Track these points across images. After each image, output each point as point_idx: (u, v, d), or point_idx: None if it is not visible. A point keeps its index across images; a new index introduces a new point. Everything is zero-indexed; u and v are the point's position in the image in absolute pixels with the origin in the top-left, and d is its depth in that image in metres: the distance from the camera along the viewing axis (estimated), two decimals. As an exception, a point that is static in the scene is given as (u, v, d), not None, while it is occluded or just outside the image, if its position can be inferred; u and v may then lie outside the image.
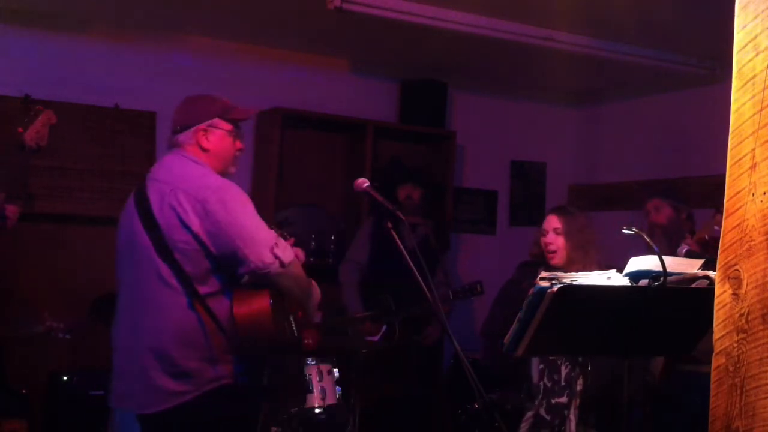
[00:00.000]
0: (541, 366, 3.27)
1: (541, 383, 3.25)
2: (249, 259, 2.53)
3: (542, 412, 3.22)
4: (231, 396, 2.61)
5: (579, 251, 3.30)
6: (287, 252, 2.60)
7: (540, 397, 3.24)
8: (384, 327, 4.69)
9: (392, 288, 4.01)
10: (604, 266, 2.43)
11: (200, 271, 2.58)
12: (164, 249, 2.58)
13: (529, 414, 3.29)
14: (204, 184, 2.65)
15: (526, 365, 3.32)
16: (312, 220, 5.49)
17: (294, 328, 2.78)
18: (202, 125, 2.79)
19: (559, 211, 3.44)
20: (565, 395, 3.19)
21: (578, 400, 3.17)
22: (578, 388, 3.19)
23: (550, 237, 3.34)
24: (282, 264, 2.56)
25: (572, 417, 3.16)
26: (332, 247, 5.31)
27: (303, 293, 2.79)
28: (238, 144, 2.86)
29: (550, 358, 3.22)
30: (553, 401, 3.21)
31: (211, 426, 2.61)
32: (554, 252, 3.32)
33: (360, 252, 4.88)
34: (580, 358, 3.17)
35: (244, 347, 2.60)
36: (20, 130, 3.19)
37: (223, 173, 2.81)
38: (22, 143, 3.20)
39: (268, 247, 2.56)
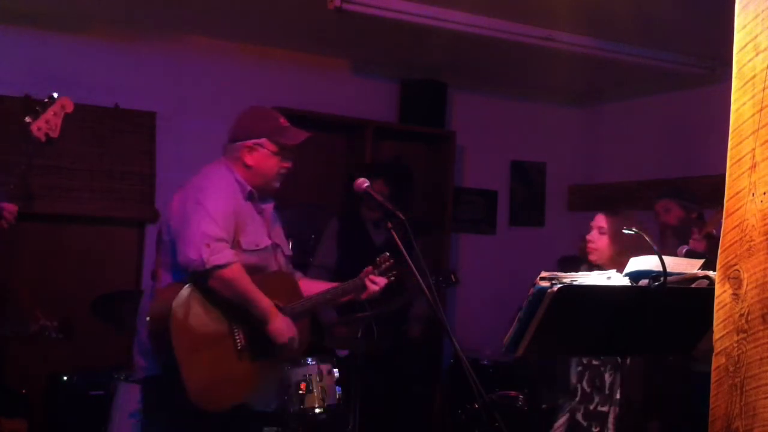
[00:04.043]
0: (579, 368, 3.16)
1: (579, 386, 3.15)
2: (178, 253, 2.66)
3: (579, 417, 3.13)
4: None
5: (625, 257, 3.21)
6: (218, 256, 2.61)
7: (577, 401, 3.14)
8: (360, 329, 4.63)
9: None
10: None
11: (172, 261, 2.73)
12: (158, 238, 2.87)
13: (563, 419, 3.18)
14: (198, 184, 2.80)
15: (564, 364, 3.22)
16: (312, 220, 5.48)
17: (238, 339, 2.78)
18: (249, 143, 2.90)
19: (608, 211, 3.35)
20: (608, 404, 3.09)
21: (618, 409, 3.09)
22: (617, 396, 3.10)
23: (594, 235, 3.28)
24: (203, 264, 2.59)
25: (611, 426, 3.06)
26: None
27: (239, 300, 2.75)
28: (284, 164, 2.97)
29: (594, 362, 3.14)
30: (591, 408, 3.11)
31: (156, 408, 2.84)
32: (594, 250, 3.25)
33: (327, 256, 4.70)
34: (620, 362, 3.09)
35: (150, 338, 2.73)
36: (28, 119, 2.88)
37: (265, 188, 2.96)
38: (28, 134, 2.88)
39: (199, 243, 2.60)
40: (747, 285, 1.27)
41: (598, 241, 3.26)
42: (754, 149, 1.27)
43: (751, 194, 1.26)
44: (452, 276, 4.32)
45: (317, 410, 3.76)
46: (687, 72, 5.15)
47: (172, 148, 5.03)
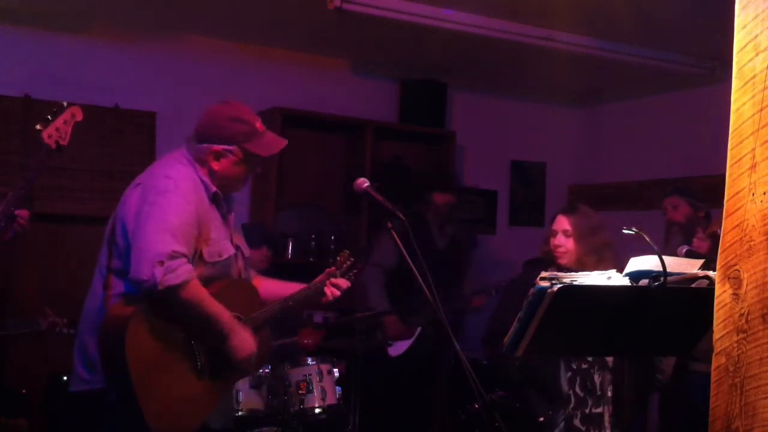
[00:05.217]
0: (569, 374, 3.11)
1: (571, 392, 3.10)
2: (130, 268, 2.44)
3: (576, 423, 3.07)
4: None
5: (592, 255, 3.12)
6: (172, 275, 2.39)
7: (571, 407, 3.09)
8: (418, 329, 4.68)
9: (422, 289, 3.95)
10: (621, 269, 2.31)
11: (125, 269, 2.51)
12: (110, 239, 2.63)
13: (558, 430, 3.11)
14: (159, 184, 2.59)
15: (552, 372, 3.14)
16: (312, 220, 5.49)
17: (199, 358, 2.58)
18: (218, 147, 2.67)
19: (568, 211, 3.25)
20: (602, 405, 3.06)
21: (611, 407, 3.06)
22: (608, 394, 3.08)
23: (560, 239, 3.19)
24: (155, 286, 2.36)
25: (607, 425, 3.03)
26: (332, 247, 5.31)
27: (197, 317, 2.54)
28: (254, 169, 2.76)
29: (583, 366, 3.10)
30: (587, 411, 3.07)
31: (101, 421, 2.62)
32: (564, 253, 3.18)
33: (385, 256, 4.62)
34: (610, 364, 3.06)
35: (101, 359, 2.52)
36: (39, 127, 2.88)
37: (229, 190, 2.78)
38: (39, 141, 2.87)
39: (151, 261, 2.37)
40: (747, 285, 1.27)
41: (567, 243, 3.18)
42: (754, 149, 1.27)
43: (751, 194, 1.26)
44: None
45: (317, 410, 3.76)
46: (687, 72, 5.15)
47: (172, 148, 5.02)
